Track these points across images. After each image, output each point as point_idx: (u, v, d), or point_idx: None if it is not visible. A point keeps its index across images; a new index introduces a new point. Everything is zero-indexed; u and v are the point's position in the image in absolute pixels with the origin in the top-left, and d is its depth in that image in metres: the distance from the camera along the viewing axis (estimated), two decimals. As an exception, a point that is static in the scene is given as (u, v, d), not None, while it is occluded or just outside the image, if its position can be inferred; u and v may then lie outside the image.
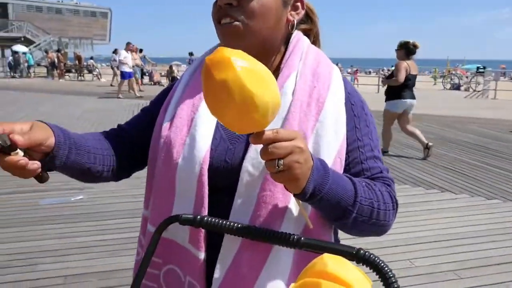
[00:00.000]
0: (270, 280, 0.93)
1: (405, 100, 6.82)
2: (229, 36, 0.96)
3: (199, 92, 1.01)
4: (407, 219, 4.28)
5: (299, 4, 1.04)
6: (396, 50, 6.83)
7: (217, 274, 0.94)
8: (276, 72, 1.01)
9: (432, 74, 36.95)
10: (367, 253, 0.83)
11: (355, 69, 33.06)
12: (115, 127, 1.16)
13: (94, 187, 5.04)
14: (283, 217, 0.93)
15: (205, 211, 0.95)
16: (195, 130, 0.97)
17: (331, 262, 0.64)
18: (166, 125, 1.02)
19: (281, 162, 0.76)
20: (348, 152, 0.98)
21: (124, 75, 14.66)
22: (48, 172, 0.90)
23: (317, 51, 1.06)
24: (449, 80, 26.76)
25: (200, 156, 0.95)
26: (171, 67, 23.03)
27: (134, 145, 1.11)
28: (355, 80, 27.11)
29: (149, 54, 23.02)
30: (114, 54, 16.76)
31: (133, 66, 14.87)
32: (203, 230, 0.96)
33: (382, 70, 30.04)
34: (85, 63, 26.51)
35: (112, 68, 18.22)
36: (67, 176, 0.99)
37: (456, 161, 6.68)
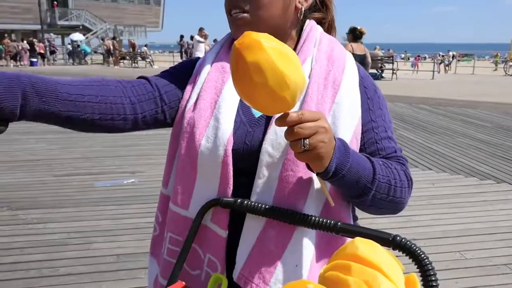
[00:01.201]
0: (295, 255, 0.96)
1: None
2: (239, 27, 1.01)
3: (222, 76, 1.04)
4: (459, 210, 4.15)
5: None
6: (346, 33, 7.41)
7: (241, 250, 0.98)
8: None
9: (493, 59, 35.22)
10: (403, 240, 0.83)
11: (417, 55, 31.87)
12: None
13: (145, 171, 5.22)
14: (306, 196, 0.96)
15: (230, 192, 0.98)
16: (219, 113, 1.00)
17: (362, 245, 0.65)
18: (190, 106, 1.04)
19: (307, 142, 0.79)
20: (363, 133, 1.02)
21: None
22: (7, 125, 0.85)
23: (330, 38, 1.09)
24: (511, 65, 25.39)
25: (224, 138, 0.97)
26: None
27: (160, 101, 1.05)
28: (415, 66, 26.13)
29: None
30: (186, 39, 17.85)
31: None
32: (227, 210, 0.99)
33: (439, 55, 28.93)
34: (138, 50, 27.20)
35: (185, 53, 18.96)
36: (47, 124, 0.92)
37: (515, 151, 6.37)
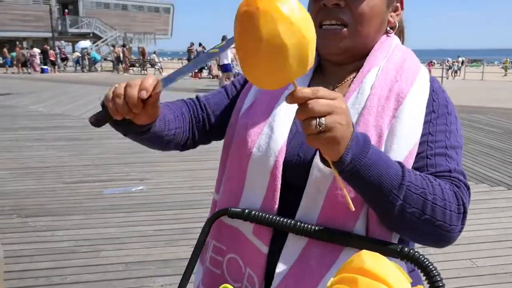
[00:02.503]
0: None
1: None
2: (333, 40, 0.94)
3: None
4: (469, 216, 3.91)
5: (399, 4, 1.01)
6: None
7: (280, 266, 0.92)
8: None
9: (503, 64, 34.98)
10: (411, 251, 0.81)
11: (430, 61, 31.74)
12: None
13: (153, 178, 5.23)
14: (355, 219, 0.88)
15: (275, 207, 0.93)
16: (273, 121, 0.95)
17: (368, 258, 0.63)
18: (244, 112, 1.02)
19: (323, 120, 0.70)
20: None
21: (226, 68, 14.93)
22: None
23: (405, 50, 1.02)
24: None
25: (276, 148, 0.93)
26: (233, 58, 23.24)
27: (208, 122, 1.13)
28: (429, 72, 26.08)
29: (208, 47, 23.40)
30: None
31: (232, 61, 15.17)
32: None
33: (448, 61, 28.79)
34: (148, 57, 27.39)
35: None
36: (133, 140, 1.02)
37: (526, 157, 6.30)
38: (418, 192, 0.80)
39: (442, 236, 0.84)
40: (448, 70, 25.74)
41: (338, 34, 0.93)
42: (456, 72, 27.38)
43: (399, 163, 0.83)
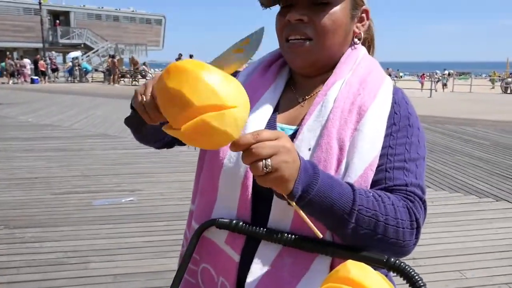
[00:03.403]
0: (310, 287, 0.90)
1: None
2: (298, 54, 0.97)
3: (252, 95, 0.99)
4: (458, 228, 4.13)
5: (364, 15, 1.03)
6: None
7: (251, 277, 0.93)
8: None
9: (490, 77, 35.44)
10: (397, 261, 0.82)
11: (422, 73, 31.96)
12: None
13: (143, 189, 5.21)
14: (325, 230, 0.89)
15: (248, 217, 0.95)
16: (244, 132, 0.97)
17: (354, 268, 0.64)
18: None
19: (269, 162, 0.74)
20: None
21: None
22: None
23: (371, 61, 1.03)
24: (508, 83, 25.55)
25: None
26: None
27: None
28: (422, 84, 26.28)
29: (204, 58, 23.56)
30: None
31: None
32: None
33: (436, 74, 29.12)
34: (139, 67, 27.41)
35: None
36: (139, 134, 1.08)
37: (513, 169, 6.37)
38: (369, 214, 0.84)
39: (396, 251, 0.88)
40: (437, 82, 26.02)
41: (302, 48, 0.96)
42: (445, 84, 27.69)
43: (351, 186, 0.86)
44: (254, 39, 0.98)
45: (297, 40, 0.95)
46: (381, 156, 0.92)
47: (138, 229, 4.05)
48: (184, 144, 1.18)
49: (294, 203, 0.80)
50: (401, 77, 32.62)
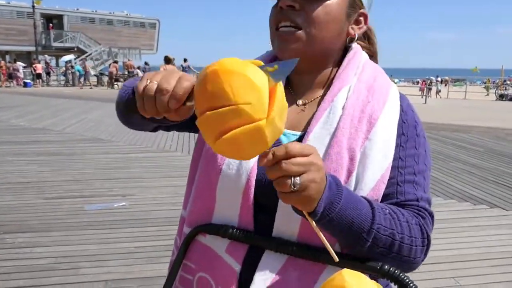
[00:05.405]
0: None
1: None
2: (288, 42, 0.92)
3: None
4: (452, 235, 4.13)
5: (362, 19, 1.00)
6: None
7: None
8: (330, 85, 0.99)
9: (484, 84, 35.72)
10: (391, 269, 0.82)
11: (423, 79, 32.08)
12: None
13: (136, 194, 5.18)
14: (334, 242, 0.86)
15: (251, 227, 0.91)
16: None
17: (349, 277, 0.64)
18: None
19: (298, 180, 0.70)
20: None
21: None
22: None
23: (375, 67, 1.01)
24: (502, 90, 25.76)
25: (248, 166, 0.90)
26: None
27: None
28: (422, 91, 26.34)
29: (194, 63, 23.61)
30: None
31: None
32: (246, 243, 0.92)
33: (433, 81, 29.26)
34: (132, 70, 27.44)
35: None
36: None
37: (507, 175, 6.39)
38: (387, 233, 0.83)
39: (406, 267, 0.88)
40: (430, 89, 26.10)
41: (291, 36, 0.91)
42: (440, 91, 27.85)
43: (369, 202, 0.84)
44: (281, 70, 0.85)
45: (287, 27, 0.92)
46: (392, 168, 0.90)
47: (130, 234, 4.02)
48: (168, 130, 1.10)
49: (313, 222, 0.76)
50: (395, 83, 32.71)
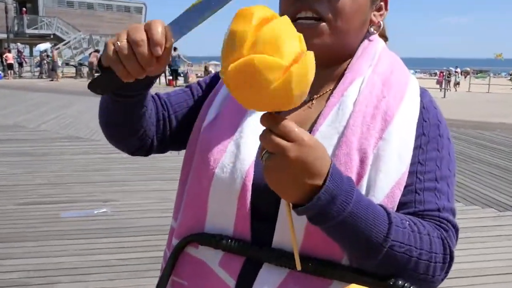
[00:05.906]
0: None
1: None
2: (310, 37, 0.85)
3: None
4: (474, 245, 4.14)
5: (383, 4, 1.00)
6: None
7: None
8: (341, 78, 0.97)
9: (510, 76, 35.78)
10: (406, 284, 0.81)
11: (440, 71, 32.08)
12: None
13: (119, 199, 5.18)
14: (343, 252, 0.85)
15: (247, 237, 0.90)
16: (240, 137, 0.93)
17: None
18: (207, 124, 0.99)
19: (266, 155, 0.73)
20: None
21: None
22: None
23: (393, 57, 1.00)
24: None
25: (243, 169, 0.90)
26: (206, 67, 23.69)
27: (168, 124, 1.08)
28: (440, 84, 26.34)
29: (184, 53, 23.64)
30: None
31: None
32: (242, 256, 0.91)
33: (453, 72, 29.26)
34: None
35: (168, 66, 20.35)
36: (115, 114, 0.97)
37: (536, 179, 6.40)
38: (403, 250, 0.80)
39: (422, 285, 0.85)
40: (449, 81, 26.09)
41: (314, 30, 0.89)
42: (458, 83, 27.85)
43: (387, 213, 0.81)
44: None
45: (308, 19, 0.89)
46: (410, 173, 0.88)
47: (112, 244, 4.02)
48: (164, 151, 1.15)
49: (289, 215, 0.76)
50: (411, 74, 32.65)
